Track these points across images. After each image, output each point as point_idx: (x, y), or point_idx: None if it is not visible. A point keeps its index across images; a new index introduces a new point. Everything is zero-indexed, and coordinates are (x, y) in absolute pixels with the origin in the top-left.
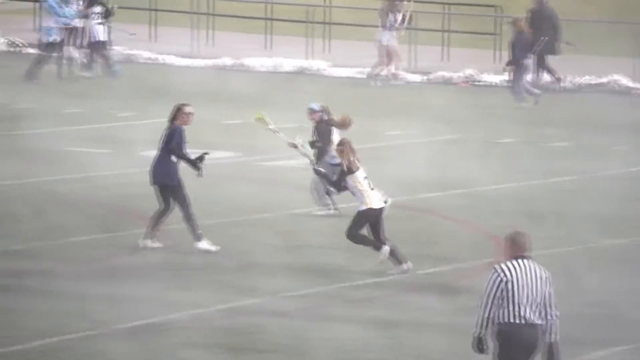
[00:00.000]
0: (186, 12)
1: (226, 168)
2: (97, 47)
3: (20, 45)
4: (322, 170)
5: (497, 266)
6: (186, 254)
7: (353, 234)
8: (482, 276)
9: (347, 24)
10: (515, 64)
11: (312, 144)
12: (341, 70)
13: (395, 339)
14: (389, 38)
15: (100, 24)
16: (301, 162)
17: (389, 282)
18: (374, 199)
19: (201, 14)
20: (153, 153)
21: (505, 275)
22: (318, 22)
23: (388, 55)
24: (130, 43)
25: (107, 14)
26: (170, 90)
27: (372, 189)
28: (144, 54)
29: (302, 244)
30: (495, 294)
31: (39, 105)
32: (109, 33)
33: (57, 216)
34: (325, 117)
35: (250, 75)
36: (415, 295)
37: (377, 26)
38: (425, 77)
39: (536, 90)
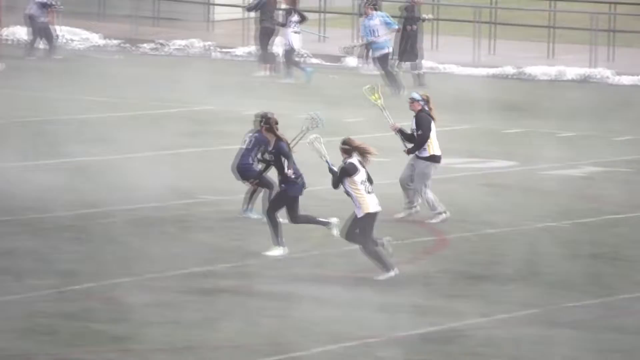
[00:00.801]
0: (469, 21)
1: (507, 177)
2: (289, 54)
3: (305, 56)
4: (335, 168)
5: None
6: (466, 264)
7: (351, 236)
8: None
9: (633, 32)
10: None
11: (411, 135)
12: (626, 78)
13: None
14: None
15: (296, 32)
16: (582, 171)
17: None
18: (371, 204)
19: (483, 22)
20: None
21: None
22: (602, 30)
23: None
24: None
25: (302, 22)
26: (449, 99)
27: (369, 193)
28: (426, 63)
29: (585, 253)
30: None
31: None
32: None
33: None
34: (426, 108)
35: (532, 84)
36: None
37: None
38: None
39: None
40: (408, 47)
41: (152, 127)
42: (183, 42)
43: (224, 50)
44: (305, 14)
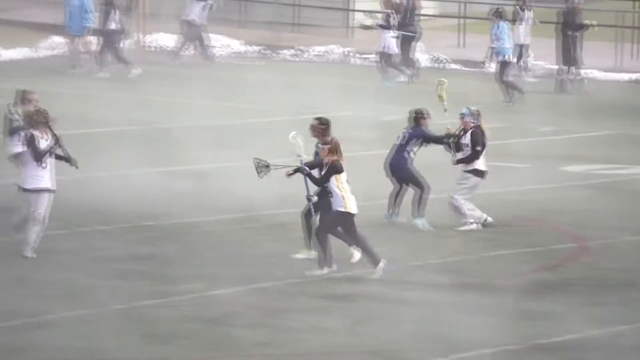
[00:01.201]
0: (611, 26)
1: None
2: (387, 57)
3: (444, 61)
4: (307, 169)
5: None
6: (607, 271)
7: (324, 234)
8: None
9: None
10: None
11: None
12: None
13: None
14: None
15: (395, 37)
16: None
17: None
18: (354, 204)
19: (626, 27)
20: (574, 168)
21: None
22: None
23: None
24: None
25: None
26: (591, 104)
27: (351, 193)
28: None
29: None
30: None
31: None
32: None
33: (478, 231)
34: (478, 122)
35: None
36: None
37: None
38: None
39: None
40: (571, 53)
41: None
42: (322, 49)
43: (363, 56)
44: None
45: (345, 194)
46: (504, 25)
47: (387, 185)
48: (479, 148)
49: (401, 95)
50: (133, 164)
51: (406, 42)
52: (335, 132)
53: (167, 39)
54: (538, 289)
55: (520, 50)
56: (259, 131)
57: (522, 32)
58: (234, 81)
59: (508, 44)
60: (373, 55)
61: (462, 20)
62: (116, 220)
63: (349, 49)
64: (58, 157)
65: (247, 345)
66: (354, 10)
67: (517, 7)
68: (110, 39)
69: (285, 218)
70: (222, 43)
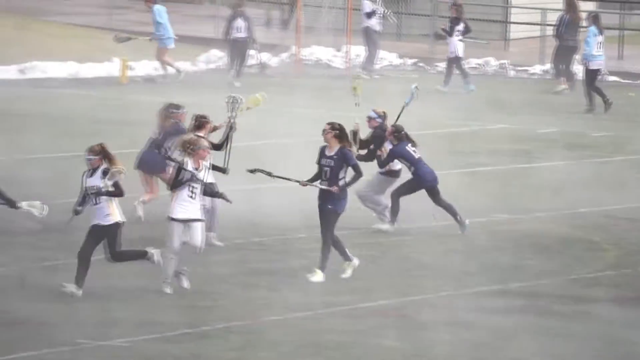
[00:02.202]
0: None
1: None
2: (455, 62)
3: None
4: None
5: None
6: None
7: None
8: None
9: None
10: None
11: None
12: None
13: None
14: None
15: (460, 40)
16: None
17: None
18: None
19: None
20: None
21: None
22: None
23: None
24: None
25: (466, 31)
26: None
27: None
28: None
29: None
30: None
31: (613, 134)
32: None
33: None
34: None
35: None
36: None
37: None
38: None
39: None
40: None
41: (445, 145)
42: (479, 61)
43: (519, 68)
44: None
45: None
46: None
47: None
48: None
49: (558, 108)
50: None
51: (567, 55)
52: (488, 144)
53: (322, 52)
54: None
55: None
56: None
57: None
58: (387, 93)
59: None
60: (529, 68)
61: (621, 32)
62: (271, 233)
63: (505, 61)
64: (215, 168)
65: (397, 358)
66: (512, 23)
67: None
68: (235, 47)
69: (437, 230)
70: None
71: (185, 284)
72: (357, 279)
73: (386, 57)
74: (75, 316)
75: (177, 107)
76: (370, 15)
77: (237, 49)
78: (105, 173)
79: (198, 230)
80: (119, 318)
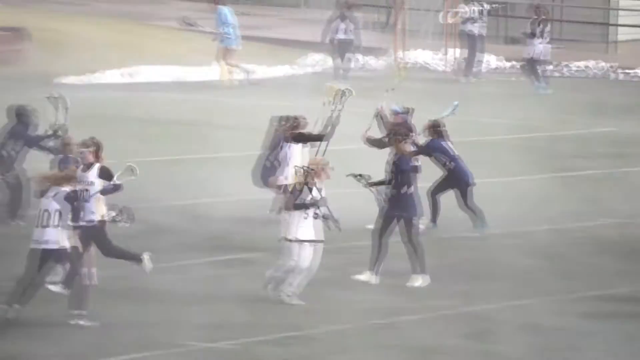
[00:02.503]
0: None
1: None
2: (530, 64)
3: None
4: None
5: None
6: None
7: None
8: None
9: None
10: None
11: None
12: None
13: None
14: None
15: (542, 43)
16: None
17: None
18: None
19: None
20: None
21: None
22: None
23: None
24: None
25: (543, 33)
26: None
27: None
28: None
29: None
30: None
31: None
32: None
33: None
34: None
35: None
36: None
37: None
38: None
39: None
40: None
41: (546, 149)
42: (582, 64)
43: (625, 71)
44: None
45: None
46: None
47: None
48: None
49: None
50: None
51: None
52: (594, 148)
53: (425, 56)
54: None
55: None
56: (510, 147)
57: None
58: (488, 97)
59: None
60: (636, 70)
61: None
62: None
63: (610, 64)
64: None
65: None
66: (615, 25)
67: None
68: (339, 49)
69: (539, 236)
70: (484, 59)
71: (289, 299)
72: (456, 283)
73: (489, 61)
74: (184, 319)
75: (288, 119)
76: (467, 20)
77: (341, 51)
78: (103, 172)
79: (319, 252)
80: (226, 321)
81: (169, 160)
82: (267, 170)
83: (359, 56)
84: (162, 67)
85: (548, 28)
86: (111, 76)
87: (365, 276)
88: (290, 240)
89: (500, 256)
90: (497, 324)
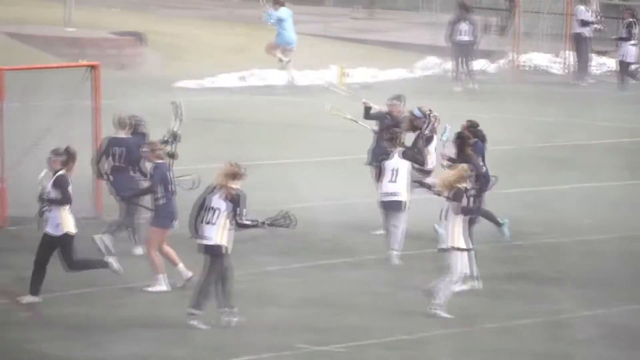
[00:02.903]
0: None
1: None
2: (623, 66)
3: None
4: None
5: None
6: None
7: None
8: None
9: None
10: None
11: None
12: None
13: None
14: None
15: (634, 45)
16: None
17: None
18: None
19: None
20: None
21: None
22: None
23: None
24: None
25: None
26: None
27: None
28: None
29: None
30: None
31: None
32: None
33: None
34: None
35: None
36: None
37: None
38: None
39: None
40: None
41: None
42: None
43: None
44: None
45: None
46: None
47: None
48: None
49: None
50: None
51: None
52: None
53: (540, 58)
54: None
55: None
56: (612, 150)
57: None
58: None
59: None
60: None
61: None
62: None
63: None
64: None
65: None
66: None
67: None
68: (459, 51)
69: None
70: (597, 62)
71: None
72: (576, 287)
73: (606, 63)
74: (295, 321)
75: (399, 97)
76: (584, 23)
77: (462, 53)
78: (56, 180)
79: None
80: (334, 324)
81: (283, 163)
82: (379, 147)
83: (482, 61)
84: (278, 70)
85: (636, 30)
86: (227, 80)
87: (467, 285)
88: (462, 249)
89: (577, 261)
90: (609, 329)
